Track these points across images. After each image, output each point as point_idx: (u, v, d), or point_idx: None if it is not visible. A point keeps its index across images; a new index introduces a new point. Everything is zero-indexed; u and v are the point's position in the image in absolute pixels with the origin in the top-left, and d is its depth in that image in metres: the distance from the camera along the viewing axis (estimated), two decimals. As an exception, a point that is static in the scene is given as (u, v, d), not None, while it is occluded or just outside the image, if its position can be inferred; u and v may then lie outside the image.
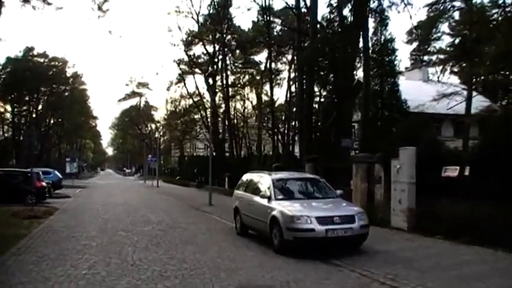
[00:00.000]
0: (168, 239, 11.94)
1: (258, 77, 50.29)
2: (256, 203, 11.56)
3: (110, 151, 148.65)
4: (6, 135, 62.82)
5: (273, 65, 50.24)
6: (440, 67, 47.29)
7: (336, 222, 9.76)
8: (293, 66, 44.50)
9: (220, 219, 16.82)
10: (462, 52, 27.99)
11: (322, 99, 25.66)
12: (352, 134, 21.52)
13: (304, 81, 24.91)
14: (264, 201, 11.04)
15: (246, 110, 53.62)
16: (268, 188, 11.27)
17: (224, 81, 44.65)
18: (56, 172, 34.07)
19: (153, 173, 61.32)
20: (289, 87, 45.45)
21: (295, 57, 43.35)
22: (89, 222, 15.54)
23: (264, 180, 11.94)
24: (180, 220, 16.41)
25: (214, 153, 46.92)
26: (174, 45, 49.11)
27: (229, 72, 45.88)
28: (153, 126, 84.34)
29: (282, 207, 10.31)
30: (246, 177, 13.61)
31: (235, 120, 49.43)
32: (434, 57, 46.69)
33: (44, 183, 23.12)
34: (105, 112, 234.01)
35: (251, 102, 52.82)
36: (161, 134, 78.47)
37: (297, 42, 28.18)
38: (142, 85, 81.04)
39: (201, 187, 41.44)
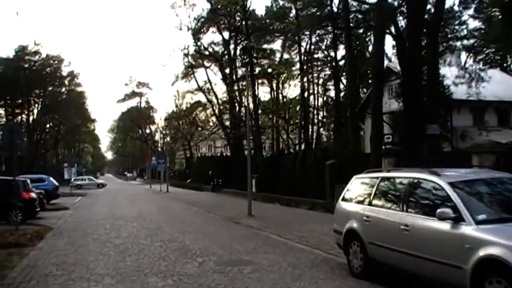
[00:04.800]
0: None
1: (269, 70, 45.84)
2: (418, 227, 6.15)
3: (109, 155, 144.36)
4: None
5: (287, 55, 46.34)
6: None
7: None
8: (308, 57, 40.13)
9: (286, 241, 11.66)
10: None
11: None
12: (438, 118, 16.23)
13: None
14: (444, 226, 5.66)
15: (260, 104, 48.73)
16: (446, 199, 5.87)
17: (246, 70, 39.64)
18: (51, 179, 28.64)
19: (157, 176, 56.76)
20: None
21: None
22: (95, 255, 10.17)
23: (421, 184, 6.57)
24: (233, 246, 10.85)
25: (230, 153, 43.02)
26: (181, 29, 42.06)
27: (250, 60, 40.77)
28: (154, 127, 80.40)
29: (505, 240, 5.00)
30: (361, 181, 8.14)
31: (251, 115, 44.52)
32: (458, 43, 43.61)
33: (33, 194, 17.83)
34: (103, 115, 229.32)
35: (259, 99, 48.50)
36: (164, 134, 74.02)
37: (343, 7, 23.13)
38: (142, 84, 79.62)
39: (217, 191, 37.25)
